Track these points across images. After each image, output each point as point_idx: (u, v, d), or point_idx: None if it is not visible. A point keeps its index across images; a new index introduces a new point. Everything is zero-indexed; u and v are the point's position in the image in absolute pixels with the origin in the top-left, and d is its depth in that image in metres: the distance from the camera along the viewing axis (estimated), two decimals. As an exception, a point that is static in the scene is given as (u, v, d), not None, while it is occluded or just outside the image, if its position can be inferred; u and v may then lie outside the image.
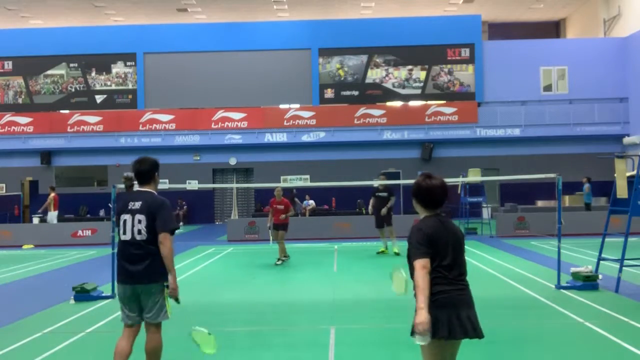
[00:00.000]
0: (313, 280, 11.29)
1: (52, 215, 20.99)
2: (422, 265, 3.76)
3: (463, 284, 3.88)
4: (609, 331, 6.82)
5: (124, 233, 5.04)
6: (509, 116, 27.97)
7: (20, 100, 29.74)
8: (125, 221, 5.04)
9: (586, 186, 21.49)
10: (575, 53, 28.81)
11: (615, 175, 9.78)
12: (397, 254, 14.31)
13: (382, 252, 15.05)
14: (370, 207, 15.08)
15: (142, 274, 4.97)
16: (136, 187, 5.36)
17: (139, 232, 4.99)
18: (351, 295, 9.61)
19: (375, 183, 14.99)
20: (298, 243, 17.83)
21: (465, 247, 4.08)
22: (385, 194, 14.68)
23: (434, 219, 3.93)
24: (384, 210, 14.48)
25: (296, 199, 25.73)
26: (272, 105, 28.92)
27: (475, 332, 3.85)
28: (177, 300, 5.06)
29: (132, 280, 5.01)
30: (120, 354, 5.06)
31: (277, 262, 13.35)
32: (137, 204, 5.04)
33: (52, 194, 21.01)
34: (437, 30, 28.94)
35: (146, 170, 5.16)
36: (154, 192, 5.19)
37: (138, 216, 5.01)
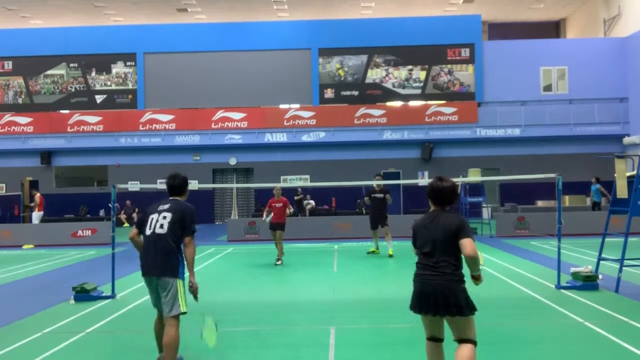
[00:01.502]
0: (313, 280, 11.29)
1: (37, 216, 21.47)
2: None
3: (440, 271, 4.45)
4: (609, 331, 6.82)
5: (149, 229, 5.57)
6: (509, 116, 27.96)
7: (20, 100, 29.75)
8: (152, 219, 5.60)
9: (597, 186, 21.34)
10: (575, 53, 28.81)
11: (615, 175, 9.78)
12: (391, 256, 14.12)
13: (373, 252, 15.02)
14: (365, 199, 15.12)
15: (157, 267, 5.47)
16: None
17: (161, 226, 5.51)
18: (351, 295, 9.61)
19: (375, 183, 14.97)
20: (298, 243, 17.86)
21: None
22: (381, 196, 14.57)
23: (429, 214, 4.66)
24: (388, 197, 14.49)
25: (308, 201, 25.72)
26: (272, 105, 28.92)
27: (445, 312, 4.40)
28: (195, 298, 5.64)
29: (149, 272, 5.54)
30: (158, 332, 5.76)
31: (277, 262, 13.36)
32: (166, 206, 5.67)
33: (38, 194, 21.84)
34: (437, 30, 28.94)
35: (178, 185, 5.87)
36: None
37: (164, 214, 5.58)
